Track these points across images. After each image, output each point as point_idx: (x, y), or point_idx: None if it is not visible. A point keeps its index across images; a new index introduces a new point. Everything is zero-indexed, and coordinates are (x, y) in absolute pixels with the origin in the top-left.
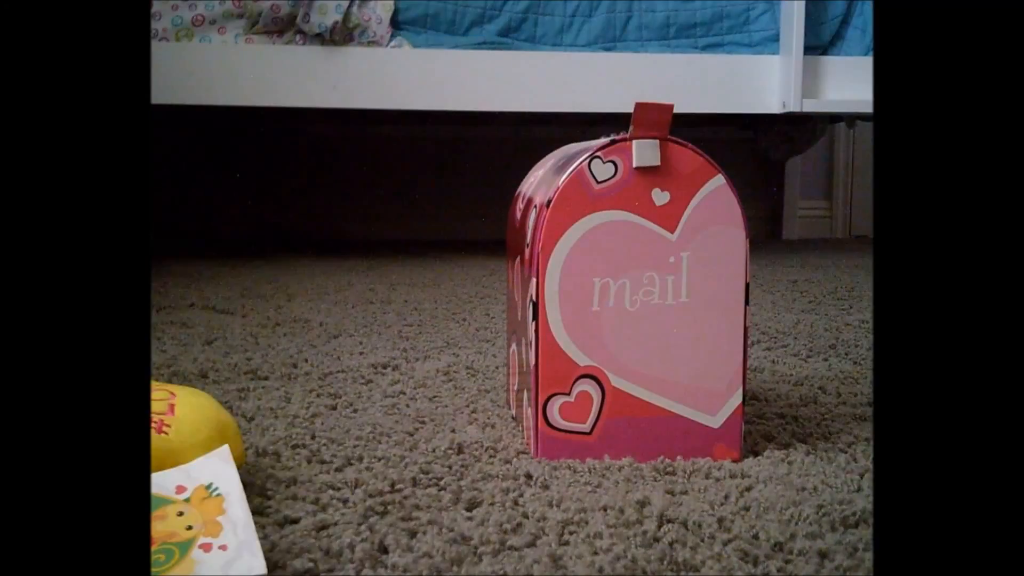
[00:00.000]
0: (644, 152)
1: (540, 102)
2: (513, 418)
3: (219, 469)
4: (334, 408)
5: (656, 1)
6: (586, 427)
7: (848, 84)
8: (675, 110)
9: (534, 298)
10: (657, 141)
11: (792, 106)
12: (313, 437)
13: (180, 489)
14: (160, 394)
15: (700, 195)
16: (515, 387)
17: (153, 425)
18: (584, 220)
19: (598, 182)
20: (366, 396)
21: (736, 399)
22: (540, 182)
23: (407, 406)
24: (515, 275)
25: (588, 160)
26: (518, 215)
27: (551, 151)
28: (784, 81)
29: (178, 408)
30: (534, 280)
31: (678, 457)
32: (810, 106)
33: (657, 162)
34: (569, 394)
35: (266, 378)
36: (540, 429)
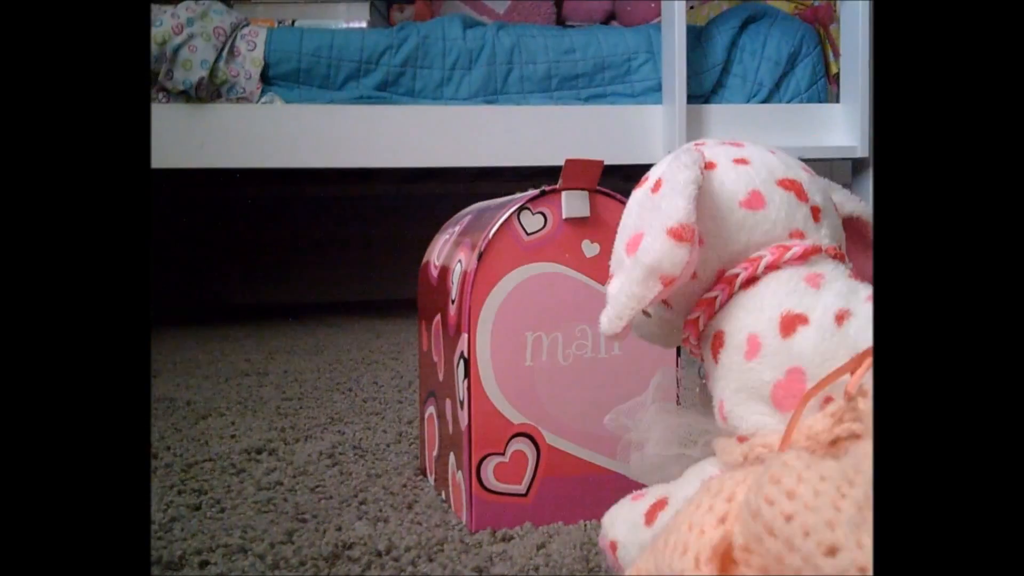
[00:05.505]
0: (573, 203)
1: (421, 157)
2: (435, 488)
3: None
4: (198, 508)
5: (537, 52)
6: (522, 488)
7: (731, 131)
8: (559, 161)
9: (465, 355)
10: (586, 192)
11: None
12: (166, 548)
13: None
14: None
15: None
16: (434, 454)
17: None
18: (514, 272)
19: (528, 234)
20: (236, 490)
21: None
22: (458, 240)
23: (284, 500)
24: (434, 336)
25: (517, 211)
26: (434, 274)
27: (436, 208)
28: (668, 130)
29: None
30: (464, 336)
31: None
32: None
33: (587, 213)
34: (504, 454)
35: None
36: (474, 493)
